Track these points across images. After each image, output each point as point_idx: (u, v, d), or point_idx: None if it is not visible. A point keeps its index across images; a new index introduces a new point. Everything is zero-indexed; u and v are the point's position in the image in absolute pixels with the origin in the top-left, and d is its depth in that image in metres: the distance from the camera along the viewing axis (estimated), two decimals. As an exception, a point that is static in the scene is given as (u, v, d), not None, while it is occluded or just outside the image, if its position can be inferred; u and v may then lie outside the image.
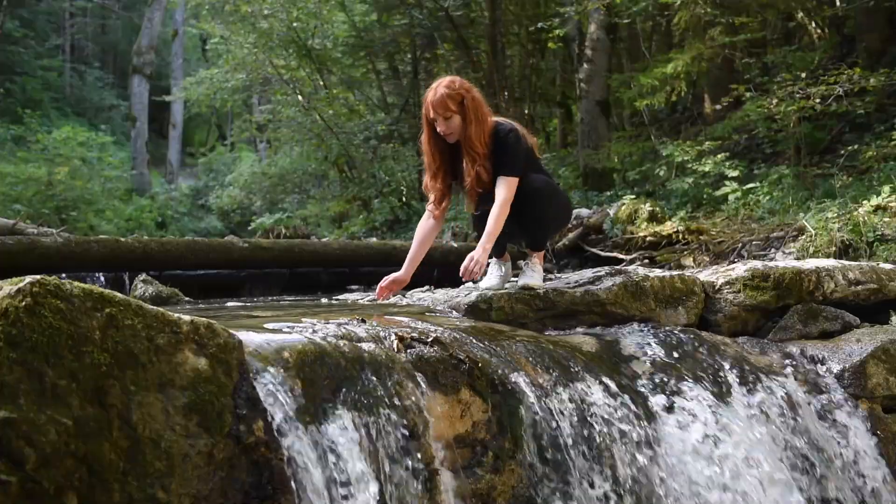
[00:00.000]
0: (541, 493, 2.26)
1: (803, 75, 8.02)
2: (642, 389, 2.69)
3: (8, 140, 18.78)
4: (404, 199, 12.95)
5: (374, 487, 1.91)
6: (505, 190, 3.07)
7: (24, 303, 1.59)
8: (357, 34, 15.02)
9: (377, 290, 3.32)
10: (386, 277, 3.31)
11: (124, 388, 1.68)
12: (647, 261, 6.98)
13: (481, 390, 2.33)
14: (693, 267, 6.25)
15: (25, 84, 23.24)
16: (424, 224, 3.33)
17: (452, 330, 2.62)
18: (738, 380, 2.85)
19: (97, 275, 5.96)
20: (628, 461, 2.43)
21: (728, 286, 3.35)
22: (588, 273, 3.42)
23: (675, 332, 3.05)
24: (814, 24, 10.87)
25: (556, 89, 15.44)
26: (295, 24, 13.86)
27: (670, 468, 2.47)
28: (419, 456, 2.07)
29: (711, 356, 2.94)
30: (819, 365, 3.06)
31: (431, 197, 3.28)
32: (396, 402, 2.11)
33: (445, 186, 3.24)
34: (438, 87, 3.06)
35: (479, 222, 3.23)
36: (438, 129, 3.09)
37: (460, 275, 3.00)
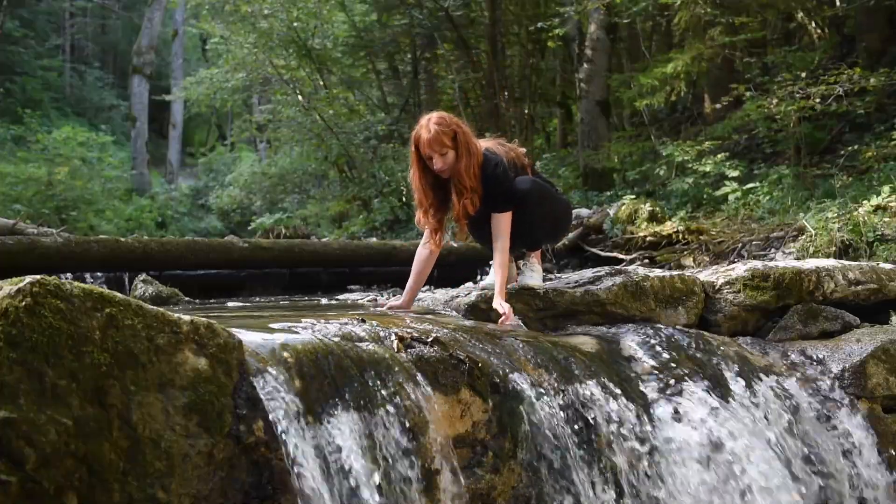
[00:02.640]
0: (540, 493, 2.26)
1: (803, 75, 8.01)
2: (642, 389, 2.69)
3: (8, 140, 18.77)
4: (404, 199, 12.94)
5: (374, 487, 1.91)
6: (501, 231, 3.13)
7: (24, 303, 1.59)
8: (357, 34, 15.02)
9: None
10: (385, 302, 3.30)
11: (124, 388, 1.68)
12: (647, 261, 6.97)
13: (481, 390, 2.33)
14: (693, 267, 6.25)
15: (25, 84, 23.23)
16: (423, 254, 3.33)
17: (452, 330, 2.62)
18: (738, 380, 2.85)
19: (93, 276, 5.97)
20: (628, 461, 2.43)
21: (728, 286, 3.35)
22: (588, 273, 3.41)
23: (675, 332, 3.05)
24: (814, 24, 10.87)
25: (556, 89, 15.44)
26: (295, 24, 13.87)
27: (670, 468, 2.47)
28: (419, 456, 2.07)
29: (711, 356, 2.94)
30: (819, 365, 3.06)
31: (427, 231, 3.30)
32: (396, 402, 2.11)
33: (438, 221, 3.25)
34: (430, 125, 3.05)
35: (473, 227, 3.27)
36: (435, 167, 3.09)
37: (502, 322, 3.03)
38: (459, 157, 3.06)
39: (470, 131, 3.15)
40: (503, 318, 2.97)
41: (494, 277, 3.14)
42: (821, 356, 3.08)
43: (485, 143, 3.27)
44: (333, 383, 2.05)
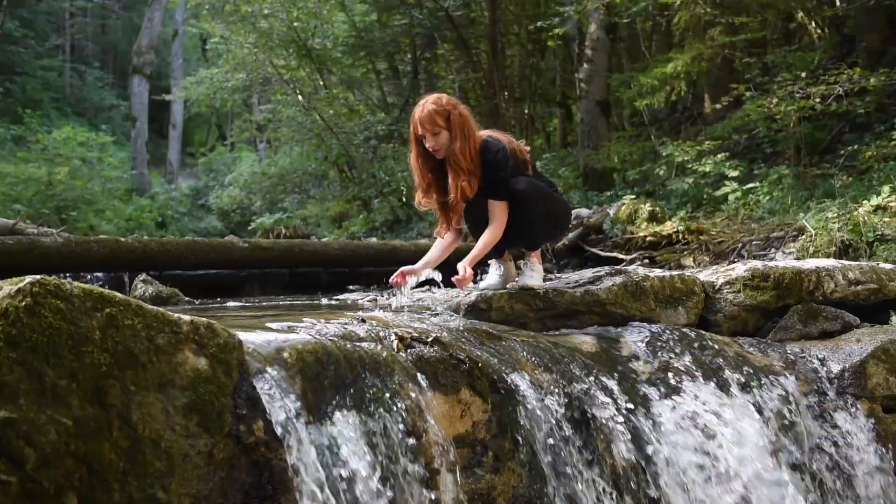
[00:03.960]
0: (540, 492, 2.26)
1: (803, 75, 8.01)
2: (642, 389, 2.69)
3: (8, 140, 18.78)
4: (404, 199, 12.94)
5: (374, 487, 1.91)
6: (498, 216, 3.13)
7: (24, 303, 1.59)
8: (357, 34, 15.02)
9: (392, 279, 3.20)
10: (401, 269, 3.21)
11: (124, 388, 1.68)
12: (647, 261, 6.97)
13: (481, 390, 2.33)
14: (693, 267, 6.25)
15: (25, 84, 23.25)
16: (438, 241, 3.35)
17: (452, 330, 2.62)
18: (738, 380, 2.85)
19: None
20: (628, 461, 2.43)
21: (728, 286, 3.35)
22: (588, 273, 3.41)
23: (675, 332, 3.05)
24: (814, 24, 10.87)
25: (556, 89, 15.44)
26: (295, 24, 13.87)
27: (670, 467, 2.47)
28: (419, 456, 2.07)
29: (711, 356, 2.94)
30: (819, 365, 3.06)
31: (439, 225, 3.33)
32: (396, 402, 2.11)
33: (440, 205, 3.26)
34: (426, 104, 3.09)
35: (469, 214, 3.28)
36: (427, 146, 3.12)
37: (455, 280, 3.04)
38: (453, 139, 3.07)
39: (469, 115, 3.16)
40: (459, 277, 3.01)
41: (476, 246, 3.15)
42: (821, 356, 3.09)
43: (487, 133, 3.28)
44: (333, 383, 2.05)
